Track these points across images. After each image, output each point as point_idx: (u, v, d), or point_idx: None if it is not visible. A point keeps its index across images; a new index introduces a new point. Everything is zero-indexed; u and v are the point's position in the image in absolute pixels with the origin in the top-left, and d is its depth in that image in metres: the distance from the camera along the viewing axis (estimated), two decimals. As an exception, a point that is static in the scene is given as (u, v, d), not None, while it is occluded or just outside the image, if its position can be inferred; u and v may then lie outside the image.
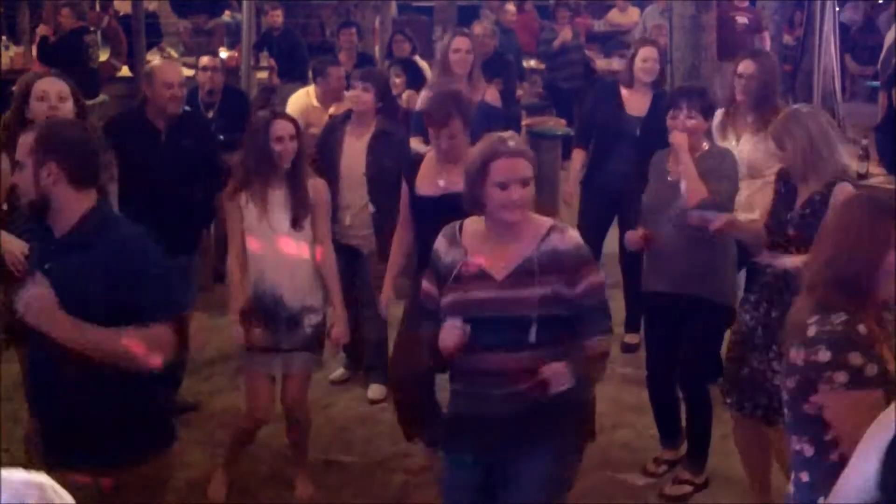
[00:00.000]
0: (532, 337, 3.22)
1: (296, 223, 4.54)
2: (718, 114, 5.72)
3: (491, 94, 6.41)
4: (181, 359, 5.71)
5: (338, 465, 5.08)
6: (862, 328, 2.49)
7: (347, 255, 5.60)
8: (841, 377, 2.47)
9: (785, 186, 4.40)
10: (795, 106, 4.74)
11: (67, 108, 4.33)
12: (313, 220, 4.61)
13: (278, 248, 4.56)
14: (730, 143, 5.54)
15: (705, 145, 4.82)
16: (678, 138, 4.68)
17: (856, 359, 2.47)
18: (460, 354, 3.26)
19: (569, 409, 3.33)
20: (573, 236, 3.35)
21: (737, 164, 4.92)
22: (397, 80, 7.18)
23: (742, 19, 10.93)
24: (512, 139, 3.34)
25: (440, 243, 3.44)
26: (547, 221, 3.38)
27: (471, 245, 3.36)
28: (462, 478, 3.45)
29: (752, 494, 4.59)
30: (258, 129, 4.56)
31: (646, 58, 6.18)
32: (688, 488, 4.82)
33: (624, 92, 6.23)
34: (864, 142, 7.41)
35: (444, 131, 4.45)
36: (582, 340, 3.30)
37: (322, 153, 5.69)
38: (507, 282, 3.28)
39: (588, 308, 3.29)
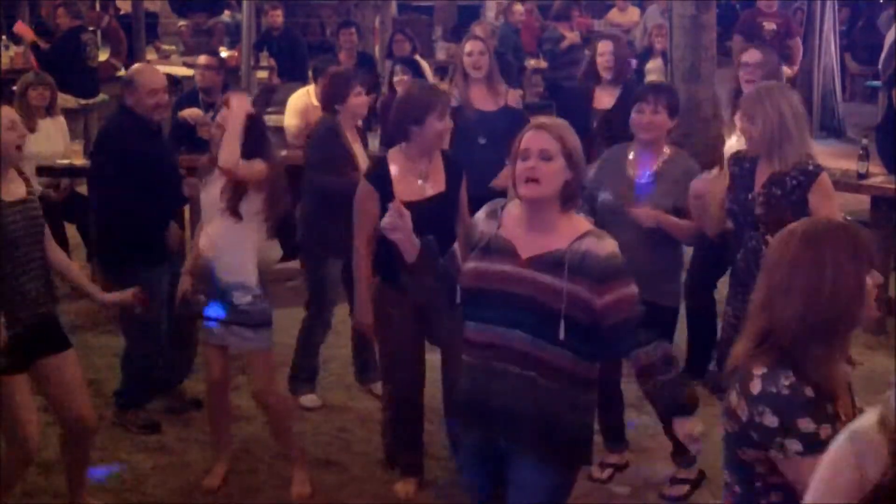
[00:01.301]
0: (561, 333, 3.16)
1: (229, 203, 4.56)
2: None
3: (512, 98, 6.41)
4: (186, 357, 5.73)
5: (338, 465, 5.08)
6: (808, 391, 2.31)
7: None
8: (795, 446, 2.31)
9: (740, 168, 4.42)
10: (769, 82, 4.74)
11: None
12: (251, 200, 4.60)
13: (214, 223, 4.64)
14: (737, 133, 5.55)
15: (667, 150, 4.72)
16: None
17: (807, 425, 2.30)
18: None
19: (569, 421, 3.29)
20: (610, 245, 3.22)
21: (698, 169, 4.91)
22: (405, 78, 7.18)
23: (770, 25, 10.43)
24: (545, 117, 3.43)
25: (480, 214, 3.45)
26: (586, 224, 3.33)
27: (507, 223, 3.34)
28: (476, 462, 3.47)
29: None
30: None
31: (602, 52, 6.27)
32: (686, 487, 4.81)
33: (597, 90, 6.31)
34: (864, 142, 7.41)
35: (428, 120, 4.44)
36: (638, 364, 3.26)
37: (332, 156, 5.62)
38: (532, 263, 3.23)
39: (617, 322, 3.20)
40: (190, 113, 6.77)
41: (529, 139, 3.28)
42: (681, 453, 4.82)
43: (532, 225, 3.29)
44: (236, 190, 4.55)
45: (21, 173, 4.30)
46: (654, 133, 4.66)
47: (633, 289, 3.24)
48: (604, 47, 6.28)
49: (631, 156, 4.73)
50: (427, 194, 4.50)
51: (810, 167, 4.32)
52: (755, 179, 4.35)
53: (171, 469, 5.03)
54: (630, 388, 5.05)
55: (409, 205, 3.89)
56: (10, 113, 4.23)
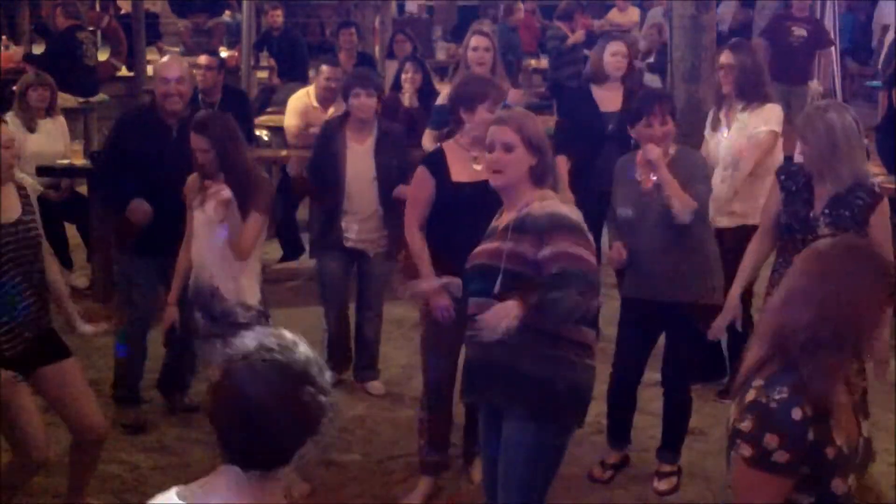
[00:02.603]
0: (496, 287, 3.48)
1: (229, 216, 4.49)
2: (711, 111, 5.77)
3: (514, 96, 6.39)
4: (191, 362, 5.73)
5: (338, 465, 5.08)
6: (797, 412, 2.30)
7: (352, 258, 5.67)
8: (746, 450, 2.34)
9: (796, 184, 4.39)
10: (825, 101, 4.75)
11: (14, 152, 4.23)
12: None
13: (208, 246, 4.58)
14: (722, 134, 5.58)
15: (672, 150, 4.76)
16: (653, 153, 4.56)
17: (770, 441, 2.31)
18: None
19: (542, 377, 3.50)
20: (550, 206, 3.51)
21: (706, 162, 4.93)
22: (416, 77, 7.18)
23: (800, 31, 9.67)
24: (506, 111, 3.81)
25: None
26: (541, 194, 3.58)
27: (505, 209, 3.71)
28: (486, 429, 3.80)
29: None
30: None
31: (615, 52, 6.19)
32: (675, 479, 4.89)
33: (595, 90, 6.21)
34: (864, 142, 7.40)
35: (479, 109, 4.43)
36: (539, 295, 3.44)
37: (322, 161, 5.66)
38: (498, 237, 3.58)
39: (553, 273, 3.41)
40: None
41: (492, 133, 3.67)
42: (666, 449, 4.92)
43: (510, 206, 3.65)
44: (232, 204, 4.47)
45: (21, 188, 4.23)
46: (665, 142, 4.69)
47: (577, 248, 3.44)
48: (617, 47, 6.23)
49: (637, 164, 4.75)
50: (482, 176, 4.40)
51: (876, 189, 4.31)
52: (814, 197, 4.32)
53: (171, 469, 5.03)
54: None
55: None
56: (7, 132, 4.20)
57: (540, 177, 3.62)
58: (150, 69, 10.48)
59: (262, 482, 2.03)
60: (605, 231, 5.16)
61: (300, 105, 7.47)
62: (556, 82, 12.13)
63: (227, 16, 14.24)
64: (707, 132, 5.72)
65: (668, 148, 4.70)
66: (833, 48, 10.29)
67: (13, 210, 4.14)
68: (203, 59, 7.21)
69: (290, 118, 7.49)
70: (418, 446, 4.80)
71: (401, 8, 15.99)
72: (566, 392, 3.54)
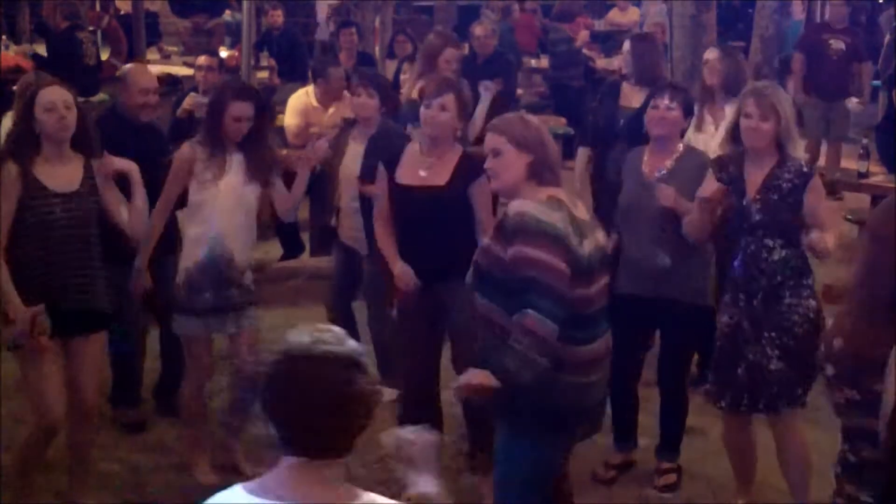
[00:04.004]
0: (468, 277, 3.59)
1: (256, 184, 4.72)
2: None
3: (484, 86, 6.48)
4: (182, 362, 5.71)
5: (338, 464, 5.07)
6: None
7: (347, 255, 5.67)
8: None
9: (728, 174, 4.37)
10: (765, 83, 4.76)
11: (73, 117, 4.27)
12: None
13: (226, 209, 4.71)
14: (707, 133, 5.58)
15: (680, 147, 4.78)
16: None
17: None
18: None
19: (529, 395, 3.44)
20: (520, 204, 3.48)
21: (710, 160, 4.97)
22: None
23: (838, 45, 9.22)
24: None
25: None
26: (535, 196, 3.53)
27: None
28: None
29: (740, 493, 4.61)
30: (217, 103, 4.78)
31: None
32: (674, 476, 4.90)
33: (625, 87, 6.21)
34: (865, 141, 7.41)
35: (435, 101, 4.49)
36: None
37: (329, 158, 5.69)
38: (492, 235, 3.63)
39: (519, 279, 3.39)
40: (188, 102, 6.72)
41: (485, 142, 3.68)
42: (664, 448, 4.93)
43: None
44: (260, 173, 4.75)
45: (89, 166, 4.33)
46: (667, 128, 4.71)
47: (527, 250, 3.38)
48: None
49: (646, 156, 4.77)
50: (429, 181, 4.54)
51: (804, 168, 4.31)
52: (747, 184, 4.31)
53: (171, 469, 5.02)
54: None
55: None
56: (50, 93, 4.23)
57: (539, 174, 3.58)
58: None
59: (325, 471, 2.07)
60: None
61: (300, 104, 7.46)
62: (558, 82, 12.14)
63: (227, 16, 14.24)
64: (690, 132, 5.68)
65: (676, 139, 4.74)
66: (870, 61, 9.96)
67: (72, 182, 4.27)
68: (203, 59, 7.20)
69: (290, 118, 7.48)
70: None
71: (401, 8, 15.99)
72: (553, 410, 3.50)
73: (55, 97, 4.22)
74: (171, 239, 5.11)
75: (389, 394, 6.25)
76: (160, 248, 5.02)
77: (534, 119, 3.80)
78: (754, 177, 4.29)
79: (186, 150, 4.77)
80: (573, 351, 3.50)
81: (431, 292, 4.60)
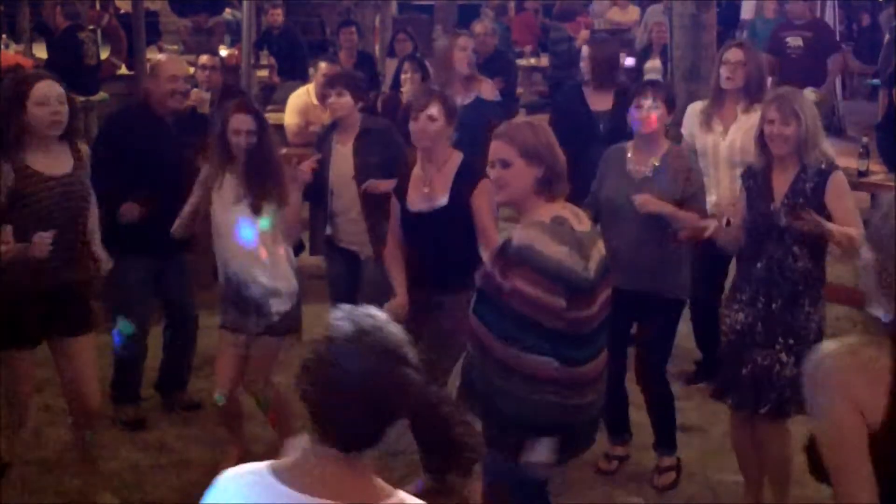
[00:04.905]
0: (471, 302, 3.48)
1: (256, 210, 4.65)
2: (697, 105, 5.76)
3: (486, 88, 6.42)
4: (188, 359, 5.73)
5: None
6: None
7: (347, 259, 5.56)
8: None
9: (754, 181, 4.39)
10: (786, 88, 4.74)
11: (66, 111, 4.33)
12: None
13: (237, 234, 4.71)
14: (715, 133, 5.57)
15: (665, 144, 4.80)
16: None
17: None
18: None
19: (516, 417, 3.37)
20: (527, 235, 3.35)
21: (696, 163, 5.00)
22: (416, 76, 7.18)
23: (795, 41, 8.90)
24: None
25: None
26: (541, 215, 3.42)
27: None
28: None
29: (748, 493, 4.60)
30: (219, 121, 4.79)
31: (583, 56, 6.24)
32: (673, 474, 4.92)
33: (587, 91, 6.20)
34: (865, 140, 7.40)
35: (423, 113, 4.46)
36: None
37: (319, 163, 5.66)
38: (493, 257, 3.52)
39: (515, 310, 3.31)
40: (192, 98, 6.72)
41: (491, 150, 3.52)
42: (660, 443, 4.95)
43: (522, 221, 3.50)
44: (264, 194, 4.66)
45: (77, 150, 4.42)
46: (653, 127, 4.72)
47: (526, 288, 3.30)
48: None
49: (630, 153, 4.77)
50: (431, 205, 4.53)
51: (822, 166, 4.29)
52: (773, 191, 4.31)
53: (171, 467, 5.03)
54: (630, 386, 5.06)
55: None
56: (43, 88, 4.27)
57: (548, 188, 3.46)
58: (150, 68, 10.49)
59: (357, 465, 2.05)
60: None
61: (300, 103, 7.46)
62: (558, 82, 12.14)
63: (227, 14, 14.23)
64: (696, 130, 5.67)
65: (661, 135, 4.76)
66: (840, 52, 9.83)
67: (63, 165, 4.35)
68: (206, 59, 7.17)
69: (290, 116, 7.48)
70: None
71: (401, 7, 16.01)
72: (515, 429, 3.42)
73: (49, 91, 4.27)
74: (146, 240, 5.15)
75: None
76: (173, 245, 5.03)
77: (543, 126, 3.65)
78: (780, 182, 4.30)
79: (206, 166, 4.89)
80: (569, 372, 3.41)
81: (435, 302, 4.58)
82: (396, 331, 2.08)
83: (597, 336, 3.50)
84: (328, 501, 1.98)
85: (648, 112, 4.70)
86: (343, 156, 5.44)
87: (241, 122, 4.65)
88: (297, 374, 2.05)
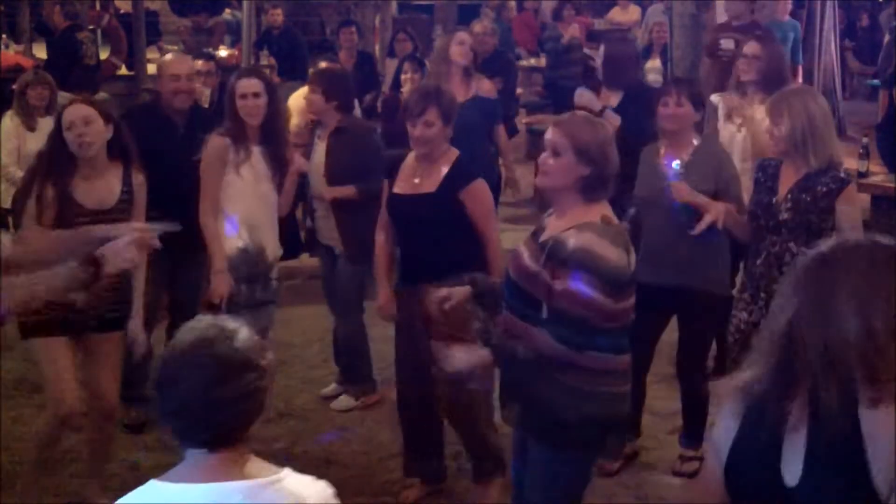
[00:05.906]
0: (541, 313, 3.34)
1: (273, 178, 4.86)
2: (715, 98, 5.75)
3: (485, 87, 6.43)
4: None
5: (338, 463, 5.08)
6: None
7: (330, 255, 5.61)
8: None
9: (764, 173, 4.42)
10: (796, 86, 4.75)
11: (94, 131, 4.30)
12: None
13: (249, 204, 4.85)
14: (734, 126, 5.56)
15: (695, 140, 4.82)
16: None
17: None
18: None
19: (552, 405, 3.36)
20: (584, 238, 3.25)
21: (729, 154, 4.99)
22: (416, 76, 7.18)
23: (728, 43, 8.09)
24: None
25: None
26: (594, 217, 3.34)
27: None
28: (515, 443, 3.70)
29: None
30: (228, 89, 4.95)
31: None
32: (697, 464, 4.85)
33: (603, 92, 6.18)
34: (865, 140, 7.41)
35: (420, 119, 4.43)
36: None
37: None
38: (532, 248, 3.44)
39: (562, 311, 3.27)
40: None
41: (547, 133, 3.45)
42: (687, 436, 4.96)
43: (557, 213, 3.45)
44: (281, 163, 4.91)
45: (129, 179, 4.39)
46: (680, 124, 4.76)
47: (582, 289, 3.25)
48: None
49: (662, 151, 4.81)
50: (417, 191, 4.51)
51: (842, 175, 4.31)
52: (780, 183, 4.33)
53: (171, 468, 5.01)
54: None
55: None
56: (70, 112, 4.31)
57: (591, 190, 3.38)
58: (150, 68, 10.48)
59: (228, 457, 2.14)
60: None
61: (300, 103, 7.45)
62: (553, 82, 12.12)
63: (227, 14, 14.23)
64: (720, 122, 5.65)
65: (689, 133, 4.78)
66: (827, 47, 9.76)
67: (107, 198, 4.33)
68: (200, 64, 7.13)
69: (291, 117, 7.48)
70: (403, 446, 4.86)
71: (401, 7, 16.01)
72: (578, 422, 3.38)
73: (73, 116, 4.29)
74: (195, 236, 5.07)
75: (346, 401, 6.25)
76: (185, 245, 5.03)
77: (605, 128, 3.54)
78: (788, 178, 4.31)
79: (215, 140, 4.88)
80: (619, 361, 3.46)
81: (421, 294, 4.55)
82: (246, 338, 2.13)
83: (627, 329, 3.52)
84: (201, 483, 2.09)
85: (674, 110, 4.74)
86: (320, 153, 5.47)
87: (247, 87, 4.78)
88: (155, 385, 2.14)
